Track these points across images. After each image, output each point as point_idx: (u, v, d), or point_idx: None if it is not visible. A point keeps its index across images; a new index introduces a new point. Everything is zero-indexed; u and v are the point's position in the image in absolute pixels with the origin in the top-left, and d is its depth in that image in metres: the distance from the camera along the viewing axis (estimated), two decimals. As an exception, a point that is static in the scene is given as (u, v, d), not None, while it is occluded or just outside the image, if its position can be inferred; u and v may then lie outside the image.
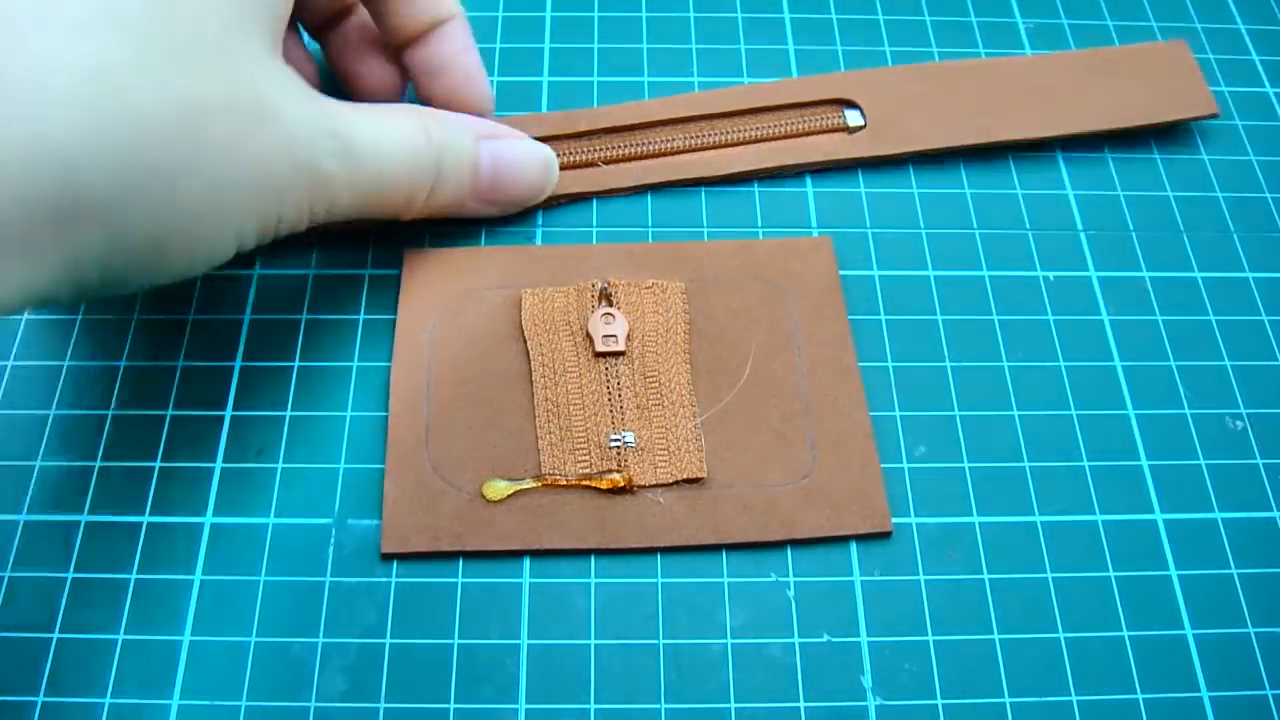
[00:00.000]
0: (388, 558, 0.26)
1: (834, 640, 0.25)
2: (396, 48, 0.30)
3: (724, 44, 0.37)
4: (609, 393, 0.28)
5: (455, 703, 0.24)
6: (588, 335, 0.29)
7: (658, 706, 0.24)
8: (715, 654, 0.25)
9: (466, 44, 0.30)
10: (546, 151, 0.31)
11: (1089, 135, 0.34)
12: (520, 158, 0.30)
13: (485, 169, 0.29)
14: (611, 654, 0.25)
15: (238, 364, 0.29)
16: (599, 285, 0.30)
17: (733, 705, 0.24)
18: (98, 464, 0.27)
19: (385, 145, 0.26)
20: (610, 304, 0.30)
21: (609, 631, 0.25)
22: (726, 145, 0.33)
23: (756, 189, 0.33)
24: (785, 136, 0.33)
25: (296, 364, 0.29)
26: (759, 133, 0.33)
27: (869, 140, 0.33)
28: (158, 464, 0.27)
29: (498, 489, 0.27)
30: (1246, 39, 0.38)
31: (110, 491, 0.27)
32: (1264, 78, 0.36)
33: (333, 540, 0.26)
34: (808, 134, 0.33)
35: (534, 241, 0.32)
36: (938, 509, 0.27)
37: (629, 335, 0.29)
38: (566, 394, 0.28)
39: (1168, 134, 0.35)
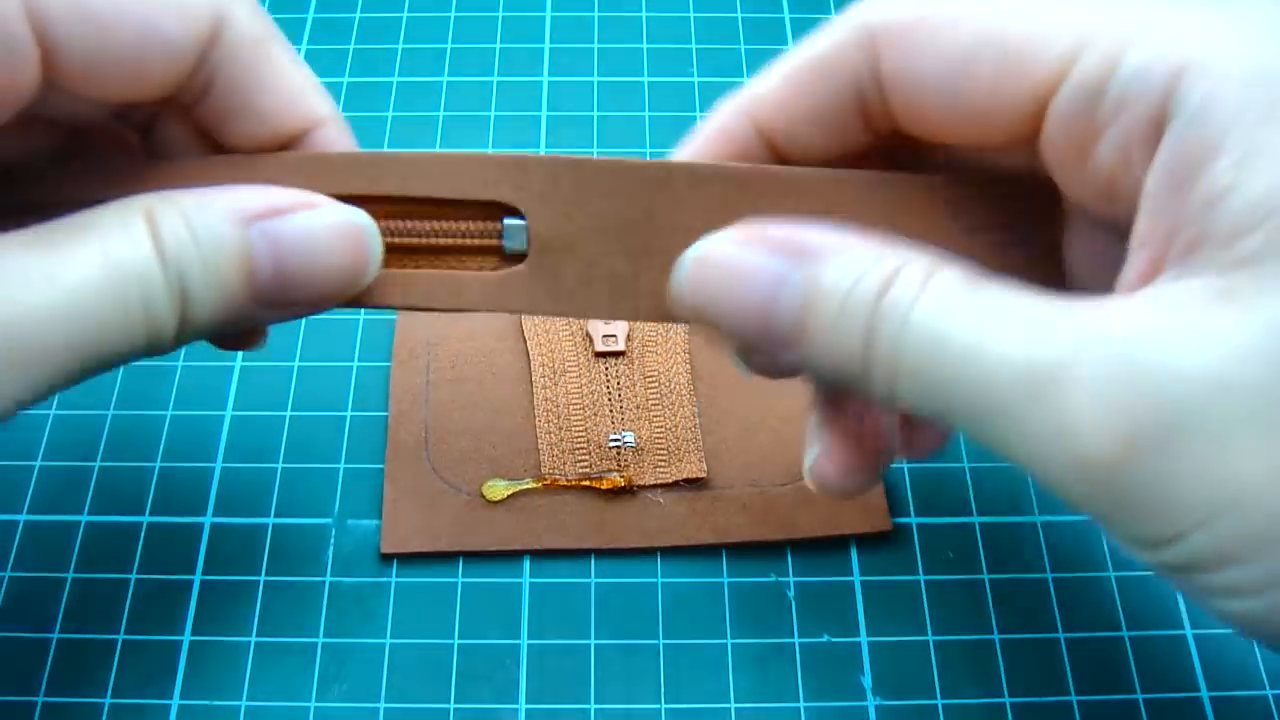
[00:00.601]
0: (387, 558, 0.26)
1: (834, 640, 0.25)
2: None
3: (724, 44, 0.37)
4: (609, 393, 0.28)
5: (455, 703, 0.24)
6: (587, 335, 0.29)
7: (658, 706, 0.24)
8: (715, 654, 0.25)
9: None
10: (356, 219, 0.21)
11: None
12: (316, 243, 0.20)
13: (264, 262, 0.20)
14: (611, 654, 0.25)
15: (238, 364, 0.29)
16: None
17: (733, 705, 0.24)
18: (98, 464, 0.27)
19: (71, 299, 0.18)
20: (610, 304, 0.30)
21: (609, 631, 0.25)
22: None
23: (756, 189, 0.33)
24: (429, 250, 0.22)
25: (296, 364, 0.29)
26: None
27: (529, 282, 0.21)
28: (158, 464, 0.27)
29: (497, 489, 0.27)
30: (1246, 39, 0.38)
31: (110, 491, 0.27)
32: (1264, 78, 0.36)
33: (333, 540, 0.26)
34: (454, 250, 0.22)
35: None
36: (938, 509, 0.27)
37: (629, 335, 0.29)
38: (566, 394, 0.28)
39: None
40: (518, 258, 0.21)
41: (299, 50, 0.36)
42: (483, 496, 0.27)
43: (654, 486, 0.27)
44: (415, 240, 0.21)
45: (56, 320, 0.18)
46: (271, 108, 0.21)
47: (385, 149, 0.22)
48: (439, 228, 0.21)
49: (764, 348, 0.20)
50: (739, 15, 0.38)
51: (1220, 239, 0.17)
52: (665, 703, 0.24)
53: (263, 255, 0.20)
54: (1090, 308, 0.17)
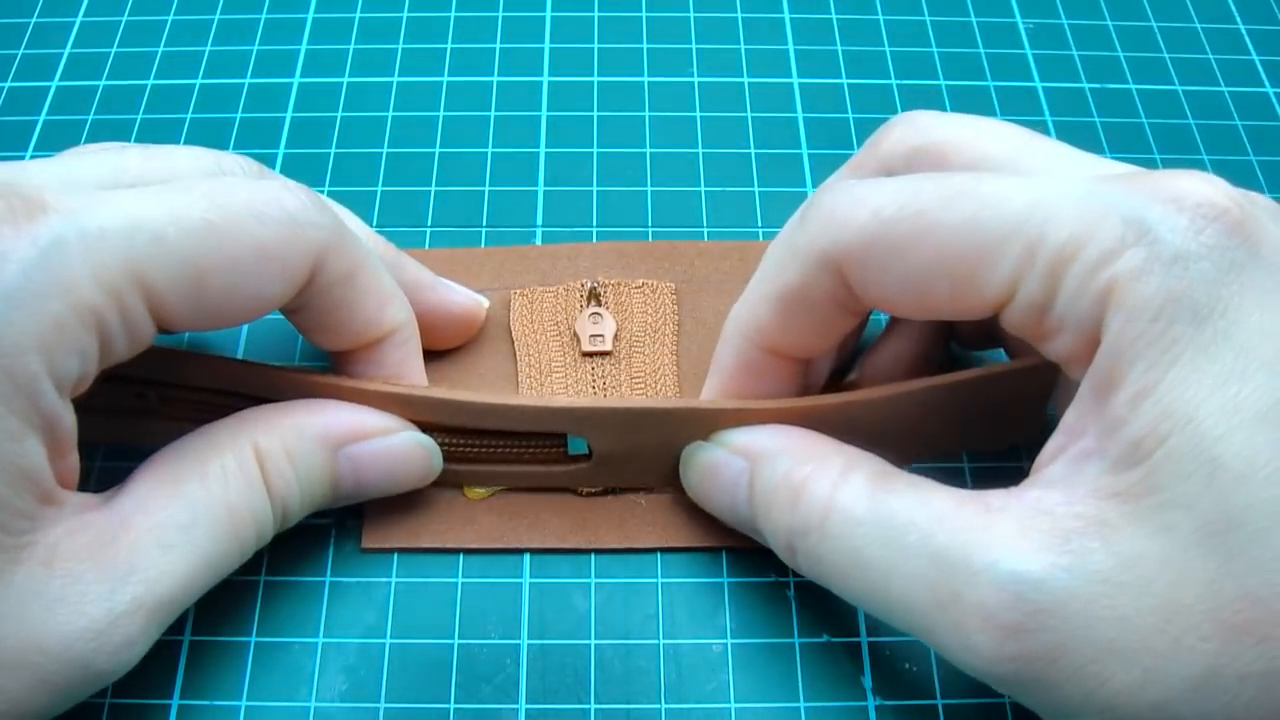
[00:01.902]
0: (368, 552, 0.26)
1: (834, 640, 0.25)
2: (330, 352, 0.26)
3: (724, 44, 0.37)
4: (595, 393, 0.28)
5: (455, 703, 0.24)
6: (575, 335, 0.29)
7: (658, 706, 0.24)
8: (715, 654, 0.25)
9: (410, 353, 0.26)
10: (426, 447, 0.25)
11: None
12: (390, 464, 0.25)
13: (347, 480, 0.24)
14: (611, 654, 0.25)
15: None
16: (588, 285, 0.30)
17: (732, 705, 0.24)
18: (97, 465, 0.27)
19: (203, 559, 0.22)
20: (599, 304, 0.30)
21: (609, 631, 0.25)
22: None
23: (756, 189, 0.33)
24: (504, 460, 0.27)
25: (297, 360, 0.29)
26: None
27: (590, 473, 0.27)
28: (158, 464, 0.27)
29: (478, 490, 0.27)
30: (1246, 39, 0.38)
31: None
32: (1264, 78, 0.36)
33: (333, 540, 0.26)
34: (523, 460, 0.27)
35: (534, 241, 0.32)
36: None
37: (616, 335, 0.29)
38: (552, 394, 0.28)
39: (1168, 134, 0.35)
40: (583, 457, 0.26)
41: (298, 50, 0.36)
42: (465, 495, 0.27)
43: (636, 488, 0.27)
44: (496, 452, 0.26)
45: (191, 573, 0.22)
46: (355, 326, 0.24)
47: (470, 394, 0.25)
48: (509, 448, 0.26)
49: (739, 526, 0.25)
50: (739, 15, 0.38)
51: (1113, 463, 0.19)
52: (665, 703, 0.24)
53: (346, 475, 0.24)
54: (980, 524, 0.19)
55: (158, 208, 0.20)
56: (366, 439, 0.25)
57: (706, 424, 0.25)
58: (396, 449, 0.25)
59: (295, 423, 0.24)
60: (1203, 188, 0.19)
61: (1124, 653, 0.18)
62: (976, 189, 0.20)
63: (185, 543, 0.22)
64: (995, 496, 0.20)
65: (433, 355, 0.29)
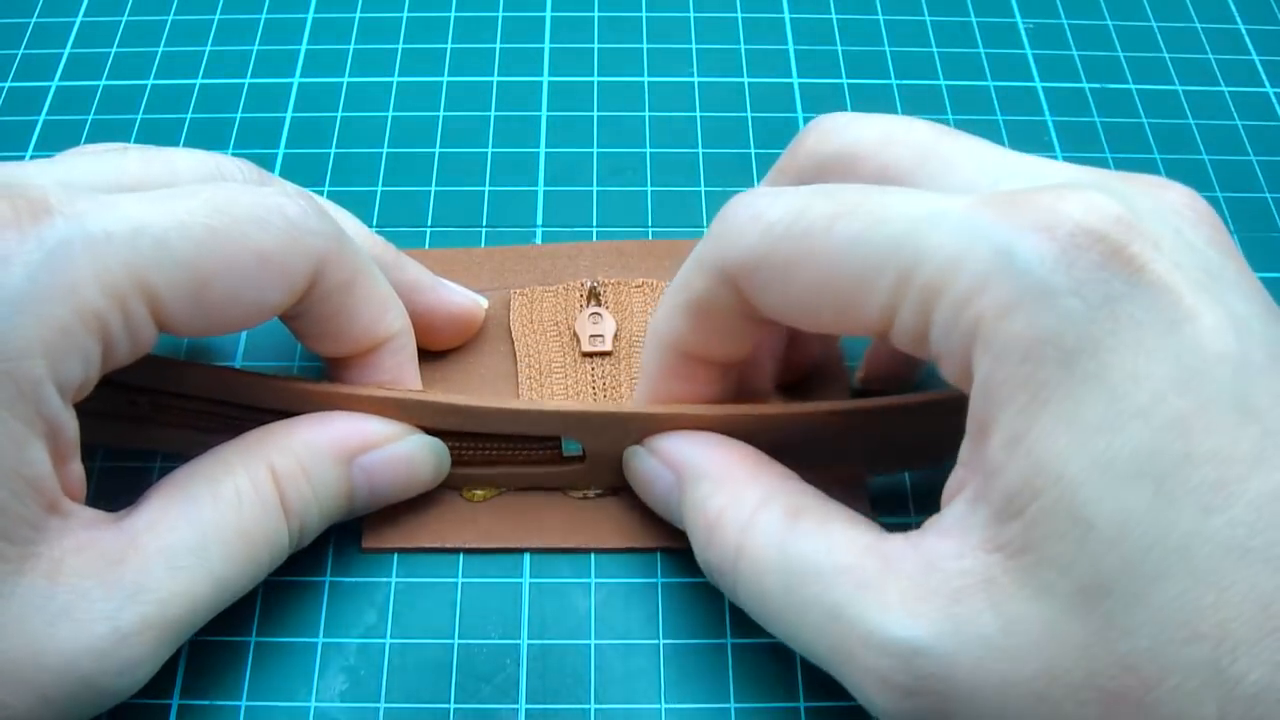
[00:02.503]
0: (368, 552, 0.26)
1: (834, 640, 0.25)
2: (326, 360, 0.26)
3: (724, 44, 0.37)
4: (595, 393, 0.28)
5: (455, 703, 0.24)
6: (575, 335, 0.29)
7: (658, 706, 0.24)
8: (715, 654, 0.25)
9: (406, 360, 0.26)
10: (435, 449, 0.26)
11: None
12: (403, 470, 0.25)
13: (362, 491, 0.25)
14: (611, 654, 0.25)
15: (236, 363, 0.29)
16: (588, 284, 0.30)
17: (732, 705, 0.24)
18: (97, 465, 0.27)
19: (220, 580, 0.22)
20: (599, 303, 0.30)
21: (609, 631, 0.25)
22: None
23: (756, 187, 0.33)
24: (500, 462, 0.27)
25: (296, 364, 0.29)
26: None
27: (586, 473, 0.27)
28: (158, 465, 0.27)
29: (477, 491, 0.27)
30: (1246, 39, 0.38)
31: (109, 491, 0.27)
32: (1264, 78, 0.36)
33: (332, 540, 0.26)
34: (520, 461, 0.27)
35: (534, 241, 0.32)
36: (937, 508, 0.27)
37: (616, 335, 0.29)
38: (552, 395, 0.28)
39: (1168, 134, 0.35)
40: (577, 457, 0.26)
41: (298, 50, 0.36)
42: (464, 497, 0.27)
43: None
44: (492, 454, 0.26)
45: (203, 595, 0.22)
46: (353, 333, 0.24)
47: (463, 398, 0.25)
48: (505, 449, 0.26)
49: (678, 526, 0.25)
50: (739, 15, 0.38)
51: (994, 512, 0.18)
52: (665, 703, 0.24)
53: (361, 485, 0.25)
54: (876, 580, 0.19)
55: (161, 212, 0.20)
56: (378, 447, 0.24)
57: (646, 428, 0.25)
58: (407, 454, 0.25)
59: (307, 439, 0.24)
60: (1082, 210, 0.18)
61: (1009, 714, 0.18)
62: (860, 209, 0.20)
63: (196, 565, 0.21)
64: (895, 544, 0.20)
65: (433, 356, 0.29)
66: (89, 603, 0.20)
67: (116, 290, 0.20)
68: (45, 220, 0.19)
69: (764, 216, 0.21)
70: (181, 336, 0.22)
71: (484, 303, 0.29)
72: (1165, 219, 0.19)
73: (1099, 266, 0.17)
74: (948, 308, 0.18)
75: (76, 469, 0.21)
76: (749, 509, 0.22)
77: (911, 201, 0.19)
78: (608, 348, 0.29)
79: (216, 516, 0.22)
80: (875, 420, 0.25)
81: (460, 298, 0.29)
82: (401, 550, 0.26)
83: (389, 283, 0.25)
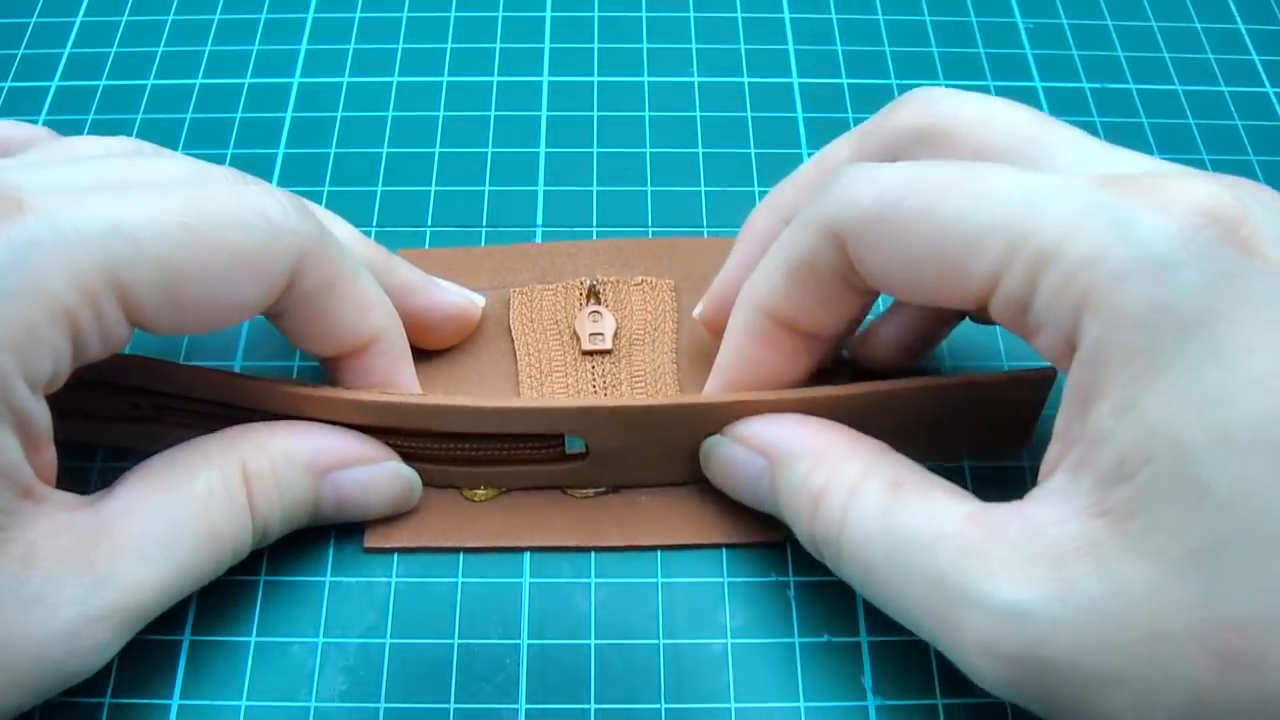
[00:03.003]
0: (370, 552, 0.26)
1: (834, 640, 0.25)
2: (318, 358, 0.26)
3: (724, 44, 0.37)
4: (595, 392, 0.28)
5: (455, 703, 0.24)
6: (575, 334, 0.29)
7: (658, 706, 0.24)
8: (715, 654, 0.25)
9: (397, 359, 0.26)
10: (406, 477, 0.26)
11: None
12: (371, 493, 0.25)
13: (329, 504, 0.25)
14: (611, 654, 0.25)
15: (237, 364, 0.29)
16: (587, 283, 0.30)
17: (733, 705, 0.24)
18: (97, 465, 0.27)
19: (180, 570, 0.22)
20: (598, 302, 0.30)
21: (609, 631, 0.25)
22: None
23: (756, 189, 0.33)
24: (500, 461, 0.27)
25: (296, 364, 0.29)
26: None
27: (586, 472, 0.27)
28: (157, 464, 0.27)
29: (478, 491, 0.27)
30: (1246, 39, 0.38)
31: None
32: (1264, 78, 0.36)
33: (332, 540, 0.26)
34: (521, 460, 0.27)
35: (534, 240, 0.32)
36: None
37: (616, 333, 0.29)
38: (552, 393, 0.28)
39: (1168, 134, 0.35)
40: (579, 455, 0.26)
41: (298, 50, 0.36)
42: (465, 497, 0.27)
43: (638, 485, 0.27)
44: (495, 454, 0.26)
45: (167, 585, 0.22)
46: (337, 333, 0.24)
47: (463, 399, 0.25)
48: (506, 449, 0.26)
49: (764, 510, 0.25)
50: (739, 15, 0.38)
51: (1100, 478, 0.19)
52: (665, 703, 0.24)
53: (328, 499, 0.25)
54: (980, 547, 0.20)
55: (136, 210, 0.20)
56: (353, 467, 0.25)
57: (711, 419, 0.25)
58: (379, 478, 0.25)
59: (284, 444, 0.24)
60: (1199, 192, 0.18)
61: (1115, 678, 0.18)
62: (975, 180, 0.20)
63: (164, 556, 0.22)
64: (999, 512, 0.20)
65: (433, 355, 0.29)
66: (60, 588, 0.20)
67: (87, 287, 0.20)
68: (16, 217, 0.19)
69: (880, 179, 0.21)
70: (157, 333, 0.22)
71: (480, 300, 0.29)
72: (1267, 209, 0.19)
73: (1215, 244, 0.18)
74: (1058, 274, 0.19)
75: (49, 455, 0.21)
76: (850, 482, 0.22)
77: (1025, 177, 0.20)
78: (608, 346, 0.29)
79: (187, 510, 0.22)
80: (953, 397, 0.25)
81: (455, 296, 0.29)
82: (404, 550, 0.26)
83: (379, 284, 0.25)
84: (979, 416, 0.26)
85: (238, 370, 0.29)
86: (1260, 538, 0.17)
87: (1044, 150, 0.22)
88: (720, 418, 0.25)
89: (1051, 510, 0.19)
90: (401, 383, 0.26)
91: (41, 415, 0.20)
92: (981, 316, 0.26)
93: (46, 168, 0.22)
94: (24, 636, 0.20)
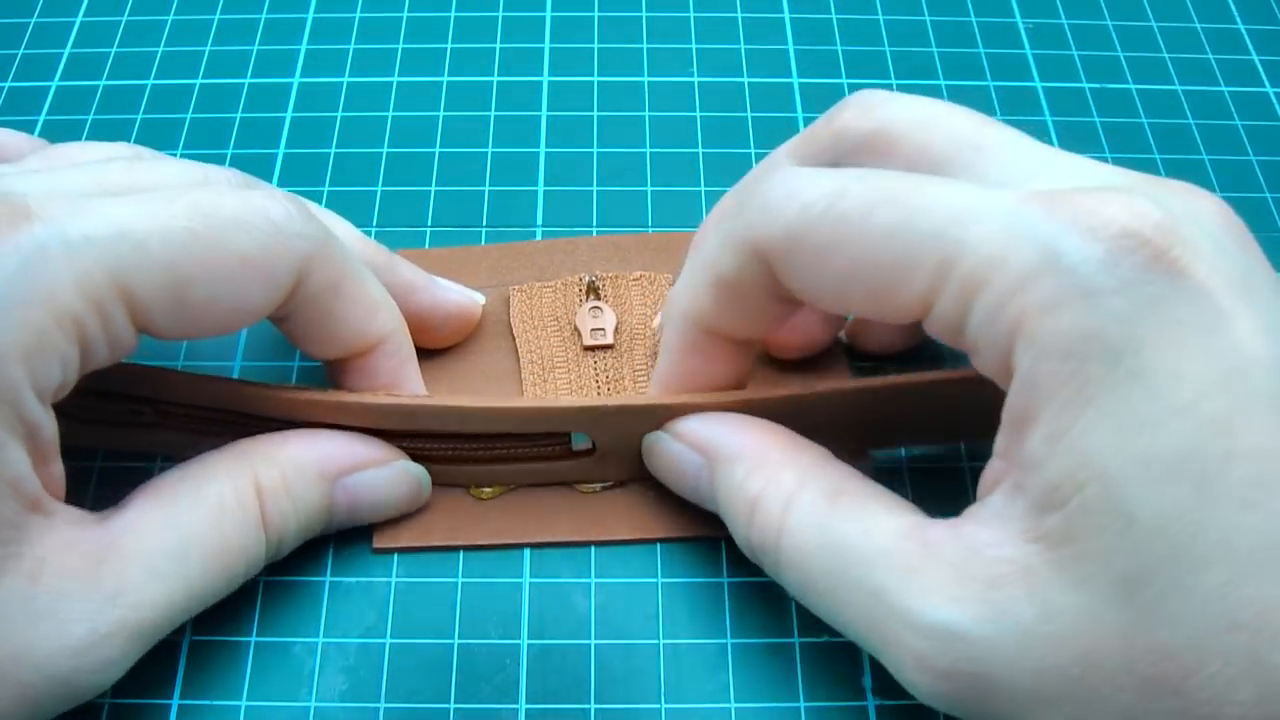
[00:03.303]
0: (379, 552, 0.26)
1: (834, 640, 0.25)
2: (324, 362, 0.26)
3: (724, 44, 0.37)
4: (598, 387, 0.28)
5: (455, 703, 0.24)
6: (576, 330, 0.29)
7: (658, 706, 0.24)
8: (715, 653, 0.25)
9: (403, 361, 0.26)
10: (416, 475, 0.26)
11: None
12: (383, 494, 0.25)
13: (341, 510, 0.25)
14: (611, 654, 0.25)
15: (237, 364, 0.29)
16: (586, 279, 0.30)
17: (733, 705, 0.24)
18: (98, 465, 0.27)
19: (190, 584, 0.22)
20: (598, 297, 0.30)
21: (609, 631, 0.25)
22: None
23: (756, 189, 0.33)
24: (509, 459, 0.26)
25: (296, 364, 0.29)
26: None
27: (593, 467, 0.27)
28: (157, 465, 0.27)
29: (485, 490, 0.27)
30: (1246, 39, 0.38)
31: (109, 492, 0.27)
32: (1264, 78, 0.36)
33: (332, 540, 0.26)
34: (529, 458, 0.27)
35: (534, 238, 0.32)
36: (936, 508, 0.27)
37: (617, 328, 0.29)
38: (555, 390, 0.28)
39: (1168, 134, 0.35)
40: (586, 451, 0.26)
41: (298, 50, 0.36)
42: (472, 495, 0.27)
43: (644, 479, 0.27)
44: (500, 451, 0.26)
45: (177, 602, 0.22)
46: (342, 335, 0.24)
47: (469, 399, 0.25)
48: (513, 447, 0.26)
49: (705, 507, 0.25)
50: (739, 15, 0.38)
51: (1033, 503, 0.19)
52: (665, 703, 0.24)
53: (341, 505, 0.25)
54: (916, 564, 0.20)
55: (142, 215, 0.20)
56: (363, 469, 0.25)
57: (660, 419, 0.25)
58: (390, 478, 0.25)
59: (294, 455, 0.24)
60: (1126, 213, 0.18)
61: (1047, 699, 0.18)
62: (901, 196, 0.20)
63: (174, 573, 0.22)
64: (936, 529, 0.20)
65: (435, 355, 0.29)
66: (69, 604, 0.20)
67: (95, 294, 0.20)
68: (24, 225, 0.19)
69: (801, 195, 0.20)
70: (163, 339, 0.22)
71: (481, 299, 0.29)
72: (1201, 225, 0.19)
73: (1143, 268, 0.18)
74: (989, 301, 0.19)
75: (57, 469, 0.21)
76: (787, 490, 0.22)
77: (954, 192, 0.20)
78: (609, 341, 0.29)
79: (197, 525, 0.22)
80: (896, 397, 0.25)
81: (456, 295, 0.29)
82: (412, 550, 0.26)
83: (382, 285, 0.25)
84: (937, 411, 0.26)
85: (237, 372, 0.29)
86: (1185, 564, 0.17)
87: (982, 156, 0.22)
88: (660, 419, 0.25)
89: (988, 531, 0.19)
90: (408, 384, 0.26)
91: (50, 426, 0.20)
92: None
93: (48, 174, 0.22)
94: (32, 652, 0.20)
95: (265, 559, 0.24)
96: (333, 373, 0.26)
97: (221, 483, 0.23)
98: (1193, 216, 0.19)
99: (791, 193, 0.21)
